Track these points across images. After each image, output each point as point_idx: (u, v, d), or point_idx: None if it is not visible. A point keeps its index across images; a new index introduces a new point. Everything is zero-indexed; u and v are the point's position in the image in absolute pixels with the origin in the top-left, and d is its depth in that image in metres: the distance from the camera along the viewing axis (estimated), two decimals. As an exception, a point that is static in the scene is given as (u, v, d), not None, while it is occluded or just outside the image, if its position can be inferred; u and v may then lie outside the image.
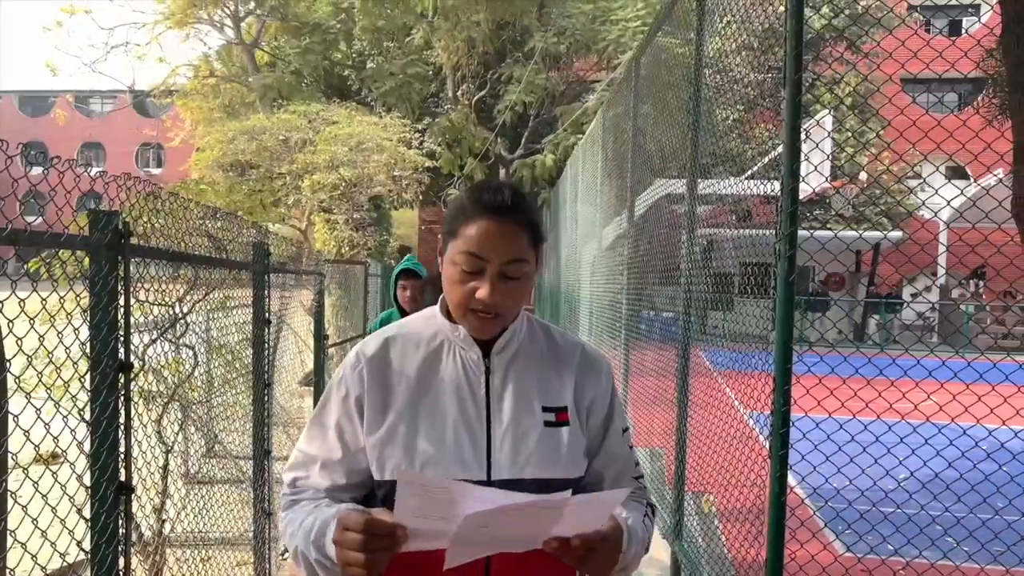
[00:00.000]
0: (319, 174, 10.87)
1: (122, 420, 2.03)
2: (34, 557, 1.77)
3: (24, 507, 1.72)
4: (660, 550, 4.70)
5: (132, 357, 2.05)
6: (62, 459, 1.90)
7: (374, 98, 16.51)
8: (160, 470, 3.83)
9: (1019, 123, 3.09)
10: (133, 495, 2.12)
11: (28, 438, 1.74)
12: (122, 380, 2.03)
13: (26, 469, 1.76)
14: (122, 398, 2.04)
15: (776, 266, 2.84)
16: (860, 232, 18.63)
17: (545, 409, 1.46)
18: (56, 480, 1.87)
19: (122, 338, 2.03)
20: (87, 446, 1.96)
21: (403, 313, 4.12)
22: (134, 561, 3.78)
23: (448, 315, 1.50)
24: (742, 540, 3.45)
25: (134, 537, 3.79)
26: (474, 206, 1.38)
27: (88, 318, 1.97)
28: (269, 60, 17.99)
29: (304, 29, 16.49)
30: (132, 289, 3.05)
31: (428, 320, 1.53)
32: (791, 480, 6.07)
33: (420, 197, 16.13)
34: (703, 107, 4.10)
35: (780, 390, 2.84)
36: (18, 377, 1.80)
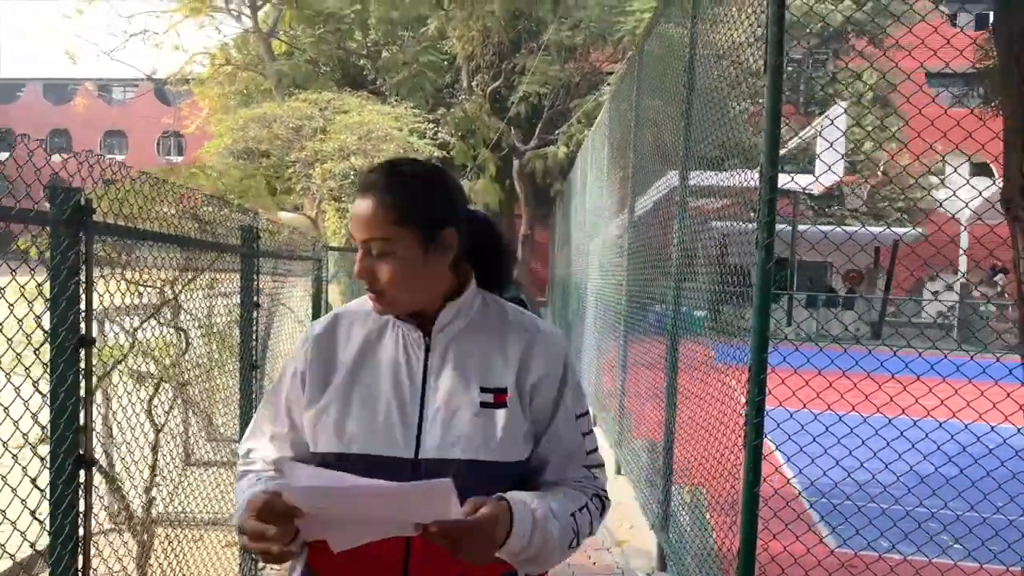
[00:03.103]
0: (330, 163, 10.92)
1: (82, 394, 2.05)
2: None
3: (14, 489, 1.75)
4: (648, 541, 4.70)
5: (119, 336, 2.08)
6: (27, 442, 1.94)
7: (388, 87, 16.54)
8: (151, 450, 3.88)
9: (1010, 109, 3.04)
10: (94, 469, 2.14)
11: (8, 413, 1.77)
12: (83, 354, 2.05)
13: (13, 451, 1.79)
14: (83, 372, 2.06)
15: (755, 254, 2.82)
16: (884, 227, 18.44)
17: (483, 390, 1.44)
18: (16, 460, 1.90)
19: (83, 313, 2.05)
20: (44, 419, 1.99)
21: None
22: (129, 539, 3.85)
23: None
24: (726, 532, 3.45)
25: (123, 515, 3.84)
26: (360, 187, 1.43)
27: (50, 293, 1.99)
28: (286, 49, 18.08)
29: (318, 18, 16.53)
30: (122, 271, 3.09)
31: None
32: (788, 472, 6.04)
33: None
34: (695, 97, 4.08)
35: (755, 380, 2.82)
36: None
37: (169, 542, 3.68)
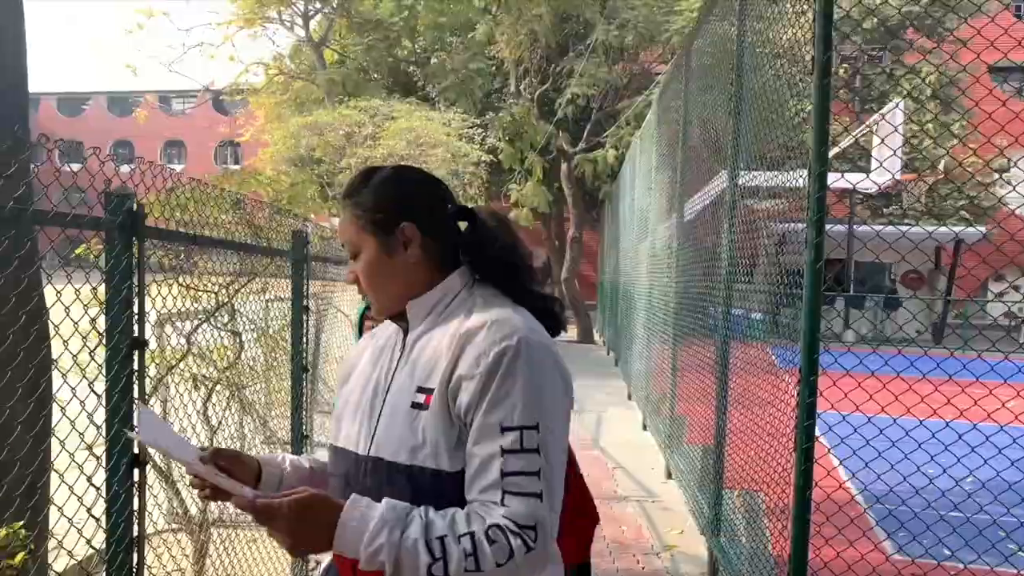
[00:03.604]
0: (379, 169, 11.05)
1: (136, 394, 2.10)
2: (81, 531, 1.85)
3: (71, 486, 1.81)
4: (698, 546, 4.63)
5: (179, 341, 2.13)
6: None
7: (436, 93, 16.68)
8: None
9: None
10: (148, 468, 2.19)
11: (73, 426, 1.83)
12: (136, 356, 2.10)
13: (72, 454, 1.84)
14: (135, 373, 2.11)
15: (805, 254, 2.76)
16: (939, 225, 17.89)
17: (419, 389, 1.36)
18: (72, 457, 1.95)
19: (136, 316, 2.11)
20: (100, 419, 2.05)
21: None
22: (184, 539, 3.95)
23: None
24: (777, 536, 3.37)
25: (179, 515, 3.94)
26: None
27: (105, 297, 2.05)
28: (338, 58, 18.38)
29: (367, 26, 16.77)
30: (178, 277, 3.18)
31: None
32: (842, 476, 5.87)
33: (485, 192, 16.24)
34: (745, 97, 4.02)
35: (806, 381, 2.76)
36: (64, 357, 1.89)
37: (222, 543, 3.76)
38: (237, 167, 38.38)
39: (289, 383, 4.40)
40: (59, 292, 1.99)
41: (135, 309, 2.11)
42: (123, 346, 2.05)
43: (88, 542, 2.08)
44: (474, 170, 12.14)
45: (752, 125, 3.87)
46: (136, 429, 1.33)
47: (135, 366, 2.11)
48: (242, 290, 3.81)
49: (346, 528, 1.21)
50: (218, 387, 4.02)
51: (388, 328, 1.56)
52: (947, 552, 3.84)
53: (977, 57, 3.13)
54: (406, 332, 1.48)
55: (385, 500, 1.25)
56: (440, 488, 1.30)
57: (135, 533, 2.13)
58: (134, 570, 2.12)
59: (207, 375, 3.96)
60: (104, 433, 2.06)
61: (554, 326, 1.46)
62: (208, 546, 3.96)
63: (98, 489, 2.01)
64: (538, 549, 1.23)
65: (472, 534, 1.22)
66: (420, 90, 17.20)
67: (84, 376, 1.99)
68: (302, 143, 10.98)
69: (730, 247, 4.17)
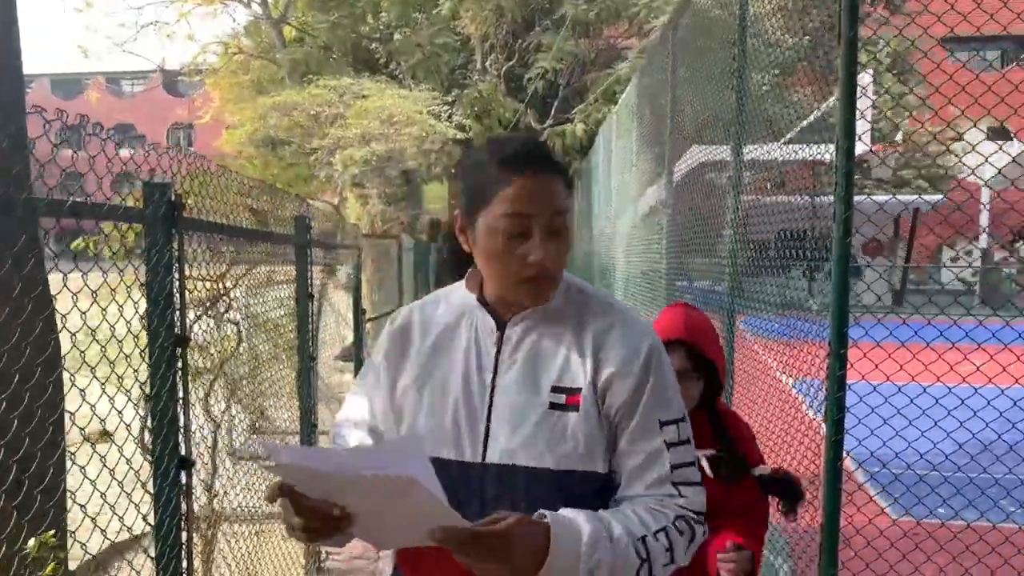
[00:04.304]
0: (351, 149, 10.86)
1: (180, 394, 2.03)
2: (102, 526, 1.78)
3: (93, 481, 1.74)
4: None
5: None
6: (113, 437, 1.91)
7: (402, 71, 16.42)
8: (209, 446, 3.88)
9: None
10: (192, 469, 2.13)
11: (95, 413, 1.75)
12: (180, 354, 2.03)
13: (94, 444, 1.76)
14: (179, 372, 2.04)
15: (833, 228, 2.76)
16: (893, 195, 18.24)
17: (555, 389, 1.29)
18: (122, 454, 1.88)
19: (178, 312, 2.03)
20: (149, 421, 1.97)
21: None
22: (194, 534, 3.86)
23: (477, 290, 1.39)
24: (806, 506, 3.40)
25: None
26: (505, 165, 1.26)
27: (146, 292, 1.97)
28: (297, 36, 17.96)
29: (331, 2, 16.41)
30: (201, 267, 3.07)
31: (455, 290, 1.44)
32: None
33: (452, 171, 16.08)
34: (748, 69, 4.00)
35: (836, 354, 2.78)
36: (83, 352, 1.80)
37: (226, 539, 3.68)
38: (190, 150, 37.52)
39: (289, 372, 4.32)
40: (94, 292, 1.89)
41: (177, 304, 2.02)
42: (168, 344, 1.97)
43: (129, 529, 2.00)
44: (447, 148, 12.01)
45: (754, 97, 3.86)
46: (276, 462, 1.12)
47: (179, 364, 2.03)
48: (248, 278, 3.71)
49: (559, 548, 1.13)
50: (219, 380, 3.93)
51: (445, 317, 1.39)
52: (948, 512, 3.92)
53: (925, 32, 3.15)
54: (499, 323, 1.35)
55: (574, 511, 1.19)
56: (593, 491, 1.27)
57: (183, 539, 2.07)
58: (184, 572, 2.06)
59: (207, 367, 3.86)
60: (152, 433, 1.98)
61: None
62: (216, 540, 3.89)
63: (152, 494, 1.94)
64: (701, 531, 1.30)
65: (665, 529, 1.23)
66: (384, 68, 16.91)
67: (136, 378, 1.90)
68: (271, 124, 10.73)
69: (735, 221, 4.17)
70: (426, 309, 1.44)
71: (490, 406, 1.30)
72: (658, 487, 1.27)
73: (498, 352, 1.34)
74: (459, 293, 1.43)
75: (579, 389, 1.28)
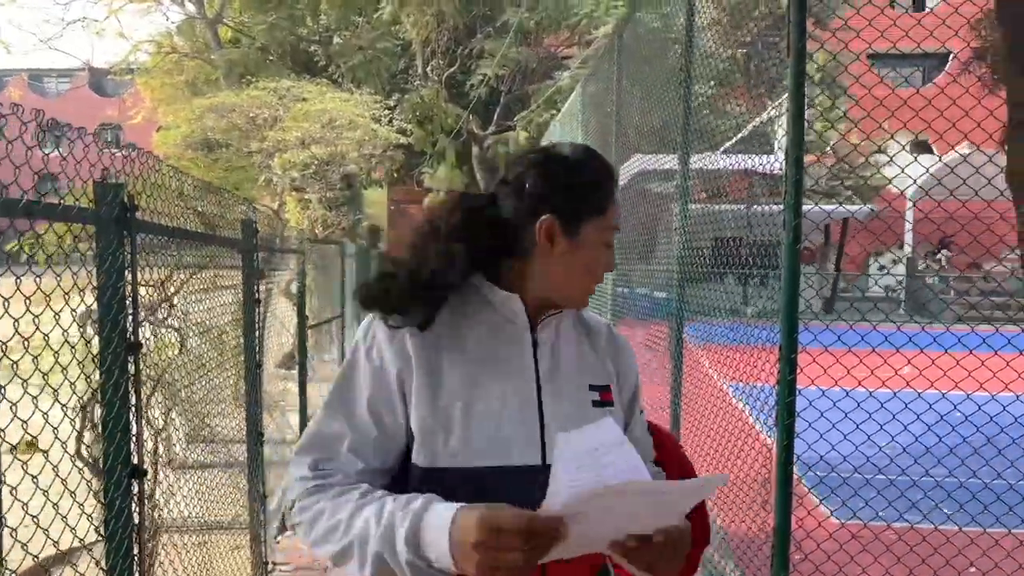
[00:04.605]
0: (290, 152, 10.69)
1: (133, 401, 1.96)
2: (25, 546, 1.70)
3: (14, 493, 1.66)
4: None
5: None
6: (38, 448, 1.82)
7: (342, 74, 16.24)
8: (150, 454, 3.75)
9: (1014, 91, 3.11)
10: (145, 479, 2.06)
11: (25, 429, 1.66)
12: (132, 360, 1.96)
13: (19, 457, 1.68)
14: (131, 379, 1.97)
15: (783, 235, 2.84)
16: (837, 204, 18.86)
17: (591, 387, 1.38)
18: (51, 464, 1.80)
19: (131, 317, 1.96)
20: (100, 429, 1.90)
21: None
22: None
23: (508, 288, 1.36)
24: (738, 512, 3.48)
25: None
26: (612, 181, 1.38)
27: (97, 296, 1.89)
28: (233, 36, 17.59)
29: (269, 3, 16.12)
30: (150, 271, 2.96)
31: (476, 290, 1.38)
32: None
33: (395, 175, 15.99)
34: (694, 81, 4.09)
35: (786, 359, 2.85)
36: (15, 363, 1.71)
37: (167, 551, 3.56)
38: (117, 152, 36.29)
39: (234, 379, 4.22)
40: (47, 296, 1.81)
41: (129, 308, 1.96)
42: (120, 349, 1.90)
43: (81, 540, 1.91)
44: (390, 152, 11.91)
45: (700, 109, 3.94)
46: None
47: (132, 370, 1.96)
48: (192, 282, 3.60)
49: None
50: (159, 387, 3.80)
51: (468, 316, 1.35)
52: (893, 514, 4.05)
53: (845, 46, 3.31)
54: (531, 328, 1.36)
55: None
56: None
57: (135, 550, 2.00)
58: (135, 587, 1.99)
59: (149, 375, 3.73)
60: (104, 442, 1.91)
61: None
62: (156, 553, 3.76)
63: (104, 504, 1.86)
64: None
65: None
66: (323, 71, 16.69)
67: (73, 389, 1.83)
68: (208, 126, 10.46)
69: (682, 230, 4.24)
70: (445, 311, 1.34)
71: (539, 406, 1.33)
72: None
73: (535, 353, 1.36)
74: (491, 293, 1.36)
75: (608, 386, 1.40)
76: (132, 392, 1.97)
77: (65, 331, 1.89)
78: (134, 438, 1.96)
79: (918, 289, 19.29)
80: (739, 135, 4.16)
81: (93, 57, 19.13)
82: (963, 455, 3.56)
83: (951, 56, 23.80)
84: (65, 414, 1.92)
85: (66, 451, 1.95)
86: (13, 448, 1.72)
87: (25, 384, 1.77)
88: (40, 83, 39.55)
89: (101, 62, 19.28)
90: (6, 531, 1.69)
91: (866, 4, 3.40)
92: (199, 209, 3.52)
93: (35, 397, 1.76)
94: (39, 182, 1.57)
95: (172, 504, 3.66)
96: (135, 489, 1.99)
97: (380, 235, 33.88)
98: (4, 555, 1.78)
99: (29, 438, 1.78)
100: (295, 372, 6.25)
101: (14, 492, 1.72)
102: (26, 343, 1.73)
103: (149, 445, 3.46)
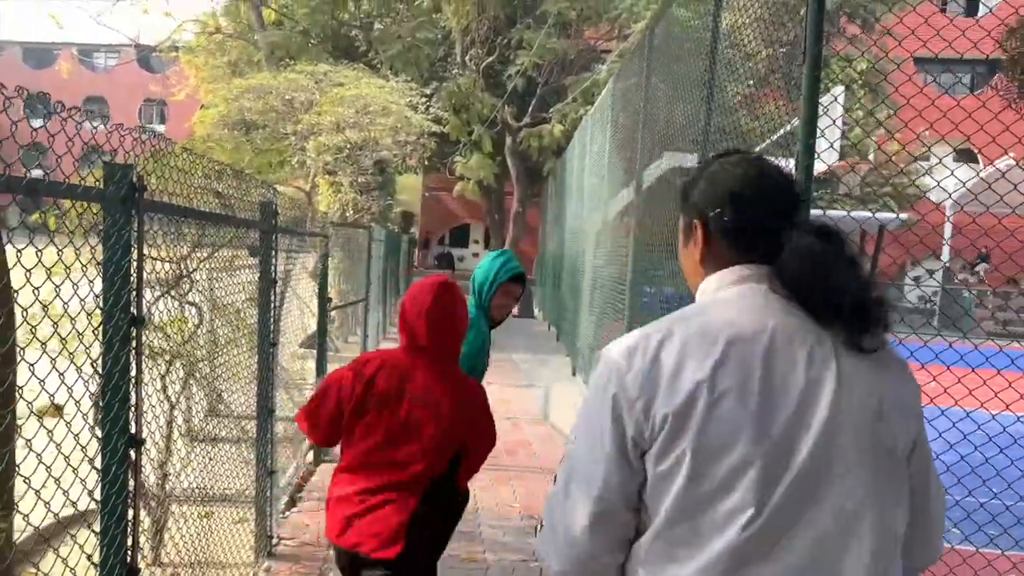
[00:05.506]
0: (324, 136, 10.79)
1: (133, 374, 2.03)
2: (47, 504, 1.78)
3: (39, 454, 1.74)
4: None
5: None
6: (64, 413, 1.91)
7: (381, 60, 16.34)
8: (164, 426, 3.86)
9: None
10: (142, 448, 2.13)
11: (44, 387, 1.75)
12: (134, 334, 2.03)
13: (40, 417, 1.76)
14: (133, 352, 2.04)
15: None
16: (871, 213, 18.54)
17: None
18: (69, 430, 1.88)
19: (135, 292, 2.03)
20: (100, 398, 1.97)
21: (491, 326, 3.27)
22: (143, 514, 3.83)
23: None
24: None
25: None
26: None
27: (102, 272, 1.97)
28: (276, 18, 17.77)
29: (312, -13, 16.27)
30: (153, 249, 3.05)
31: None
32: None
33: (425, 163, 16.06)
34: (717, 81, 4.07)
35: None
36: (34, 327, 1.80)
37: (175, 520, 3.66)
38: (163, 127, 37.02)
39: (249, 357, 4.31)
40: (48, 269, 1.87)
41: (133, 285, 2.03)
42: (123, 323, 1.97)
43: (74, 504, 1.99)
44: (423, 140, 11.97)
45: (721, 109, 3.93)
46: None
47: (133, 344, 2.04)
48: (211, 261, 3.69)
49: None
50: (176, 361, 3.91)
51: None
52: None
53: (886, 55, 3.24)
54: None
55: None
56: None
57: (129, 516, 2.08)
58: (128, 550, 2.07)
59: (165, 348, 3.84)
60: (102, 411, 1.98)
61: None
62: (166, 522, 3.87)
63: (99, 471, 1.94)
64: None
65: None
66: (363, 56, 16.81)
67: (87, 355, 1.90)
68: (244, 106, 10.61)
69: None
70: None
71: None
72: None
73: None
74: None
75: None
76: (133, 364, 2.03)
77: (82, 300, 1.97)
78: (133, 408, 2.03)
79: (950, 304, 18.93)
80: (765, 143, 4.14)
81: (140, 34, 19.41)
82: (986, 476, 3.50)
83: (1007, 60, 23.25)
84: (83, 382, 1.99)
85: (86, 421, 2.02)
86: (34, 412, 1.81)
87: (44, 346, 1.86)
88: (89, 58, 40.34)
89: (148, 39, 19.59)
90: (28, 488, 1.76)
91: (909, 12, 3.35)
92: (219, 190, 3.61)
93: (53, 360, 1.85)
94: (24, 155, 1.63)
95: (184, 475, 3.77)
96: (132, 457, 2.05)
97: (413, 220, 34.05)
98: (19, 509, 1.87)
99: (46, 405, 1.87)
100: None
101: (30, 446, 1.79)
102: (45, 309, 1.81)
103: (157, 417, 3.56)
